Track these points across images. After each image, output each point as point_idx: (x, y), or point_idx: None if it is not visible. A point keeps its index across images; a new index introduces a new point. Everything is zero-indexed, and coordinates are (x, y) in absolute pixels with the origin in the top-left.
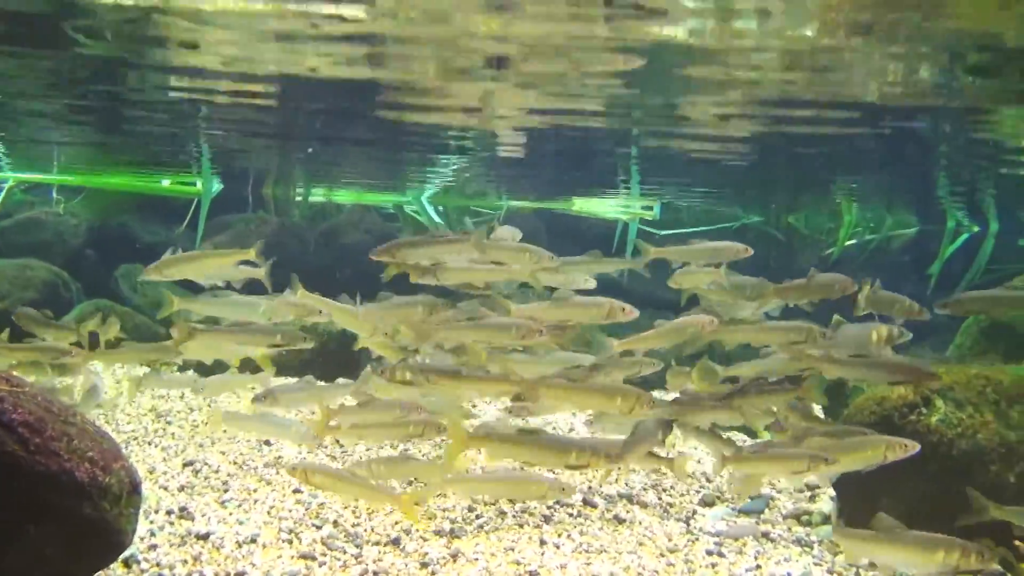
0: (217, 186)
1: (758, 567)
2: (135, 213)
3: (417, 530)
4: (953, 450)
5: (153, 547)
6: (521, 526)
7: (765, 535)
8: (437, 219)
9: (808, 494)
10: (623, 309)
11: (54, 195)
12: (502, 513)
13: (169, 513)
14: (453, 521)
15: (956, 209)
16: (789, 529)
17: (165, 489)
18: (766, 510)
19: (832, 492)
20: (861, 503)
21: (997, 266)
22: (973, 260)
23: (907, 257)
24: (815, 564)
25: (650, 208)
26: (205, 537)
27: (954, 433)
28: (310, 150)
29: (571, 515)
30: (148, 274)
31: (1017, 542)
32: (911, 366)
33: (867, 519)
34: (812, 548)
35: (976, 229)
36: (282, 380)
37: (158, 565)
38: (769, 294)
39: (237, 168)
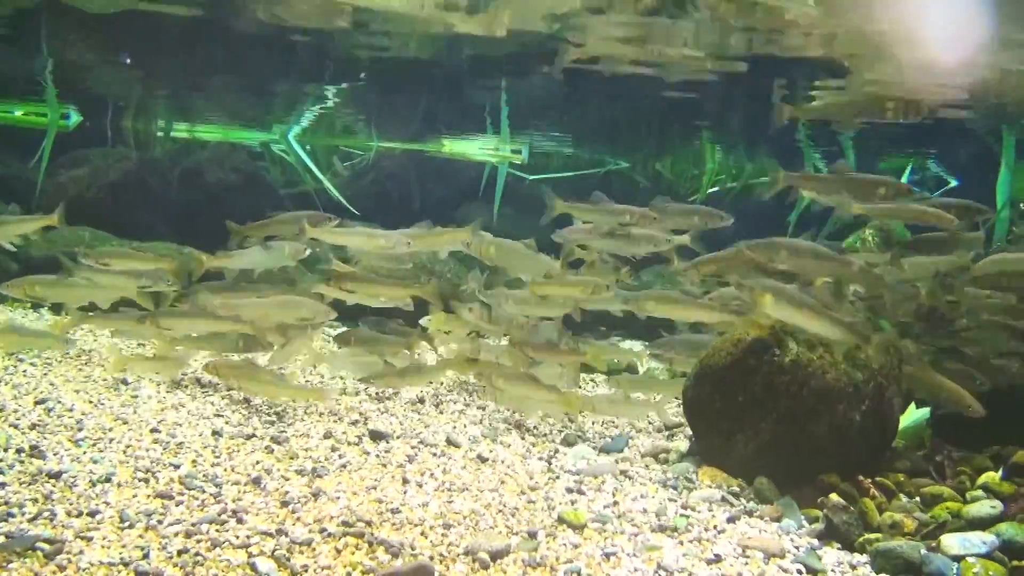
0: (76, 118)
1: (615, 503)
2: None
3: (278, 470)
4: (804, 389)
5: (1, 485)
6: (384, 465)
7: (623, 472)
8: (305, 158)
9: (666, 433)
10: None
11: None
12: (365, 453)
13: (19, 452)
14: (316, 460)
15: (814, 156)
16: (647, 467)
17: (15, 427)
18: (625, 449)
19: (688, 431)
20: (716, 440)
21: None
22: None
23: (768, 203)
24: (670, 500)
25: (519, 152)
26: (57, 476)
27: (805, 373)
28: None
29: (435, 454)
30: None
31: (861, 478)
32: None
33: (721, 456)
34: (667, 485)
35: None
36: None
37: (7, 504)
38: None
39: (96, 99)
